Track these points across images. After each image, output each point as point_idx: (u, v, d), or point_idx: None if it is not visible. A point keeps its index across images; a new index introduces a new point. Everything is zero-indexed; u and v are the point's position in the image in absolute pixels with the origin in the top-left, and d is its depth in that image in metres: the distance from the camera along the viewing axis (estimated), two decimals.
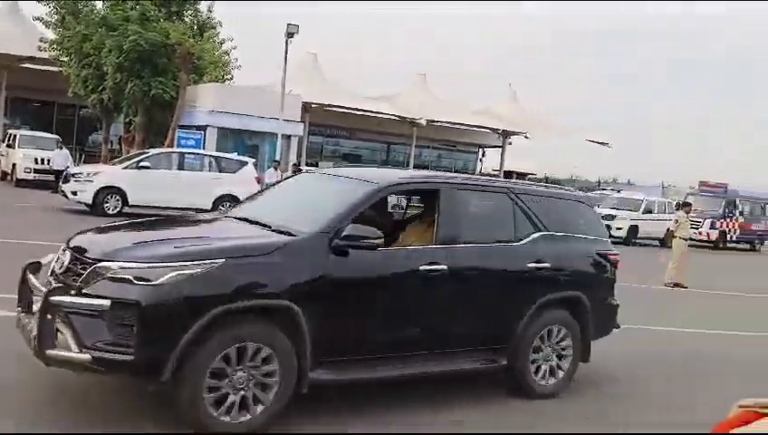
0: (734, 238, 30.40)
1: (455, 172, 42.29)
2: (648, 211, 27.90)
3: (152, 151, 20.27)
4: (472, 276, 5.69)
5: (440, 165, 44.58)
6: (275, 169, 21.28)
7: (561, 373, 6.21)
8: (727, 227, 30.14)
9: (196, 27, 28.18)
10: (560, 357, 6.23)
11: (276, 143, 26.01)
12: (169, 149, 22.18)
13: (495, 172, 44.01)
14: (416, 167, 37.79)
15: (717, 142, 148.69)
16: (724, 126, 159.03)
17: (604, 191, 39.42)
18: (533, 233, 6.13)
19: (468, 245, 5.69)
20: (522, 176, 47.38)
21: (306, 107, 31.74)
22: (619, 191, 38.07)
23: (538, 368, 6.09)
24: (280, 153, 25.55)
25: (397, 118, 36.69)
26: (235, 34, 33.43)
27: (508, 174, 44.70)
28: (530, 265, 5.96)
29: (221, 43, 30.16)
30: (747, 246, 31.59)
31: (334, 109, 34.90)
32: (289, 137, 27.93)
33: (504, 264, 5.94)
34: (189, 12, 28.62)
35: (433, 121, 37.46)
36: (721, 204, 30.21)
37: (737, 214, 30.43)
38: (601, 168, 58.81)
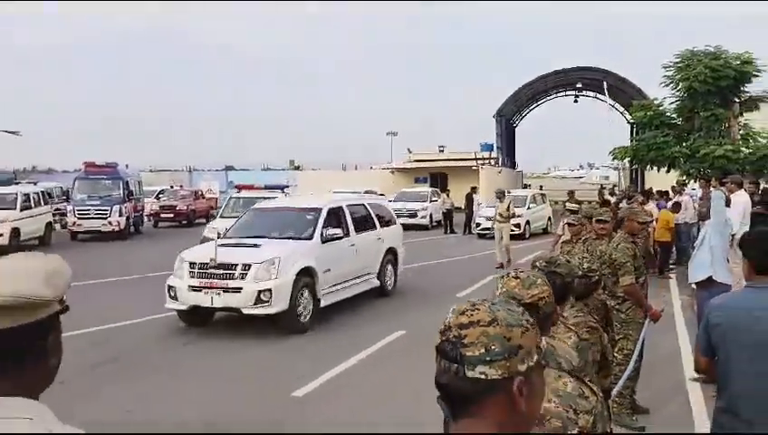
0: (131, 222, 27.62)
1: None
2: (27, 208, 23.24)
3: None
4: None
5: None
6: None
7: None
8: (129, 211, 27.33)
9: None
10: None
11: None
12: None
13: None
14: None
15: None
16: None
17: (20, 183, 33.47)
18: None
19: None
20: None
21: None
22: (36, 183, 32.53)
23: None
24: None
25: None
26: None
27: None
28: None
29: None
30: (133, 229, 27.98)
31: None
32: None
33: None
34: None
35: None
36: (120, 186, 27.23)
37: (134, 197, 27.90)
38: (18, 156, 54.17)
